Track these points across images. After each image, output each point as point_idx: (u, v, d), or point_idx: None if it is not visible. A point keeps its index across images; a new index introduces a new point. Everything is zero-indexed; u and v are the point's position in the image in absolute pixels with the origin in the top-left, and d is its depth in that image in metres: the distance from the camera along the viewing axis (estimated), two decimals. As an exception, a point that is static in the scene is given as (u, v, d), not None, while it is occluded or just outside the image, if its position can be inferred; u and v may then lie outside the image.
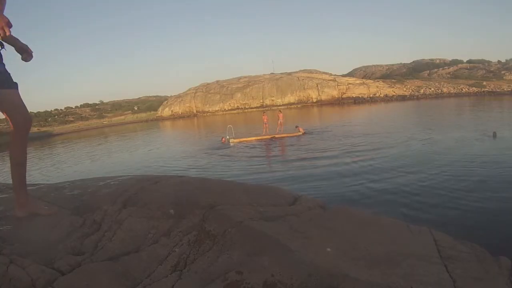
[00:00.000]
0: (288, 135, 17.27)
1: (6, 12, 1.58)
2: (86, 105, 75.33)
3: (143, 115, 63.26)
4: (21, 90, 1.82)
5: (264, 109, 46.92)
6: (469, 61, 60.61)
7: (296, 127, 17.89)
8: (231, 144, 16.39)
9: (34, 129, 54.03)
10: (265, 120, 18.11)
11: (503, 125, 14.77)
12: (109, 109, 73.85)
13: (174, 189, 2.28)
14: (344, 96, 50.31)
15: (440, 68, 59.98)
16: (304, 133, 17.26)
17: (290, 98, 51.46)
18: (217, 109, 53.69)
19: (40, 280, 1.29)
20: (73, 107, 73.38)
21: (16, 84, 1.78)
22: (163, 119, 55.30)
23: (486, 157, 8.96)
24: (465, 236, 2.13)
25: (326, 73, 57.88)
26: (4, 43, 1.68)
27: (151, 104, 71.00)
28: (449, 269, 1.59)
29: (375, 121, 22.00)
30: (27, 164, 1.95)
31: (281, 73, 57.88)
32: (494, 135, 11.78)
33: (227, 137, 17.26)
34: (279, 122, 18.33)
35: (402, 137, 13.46)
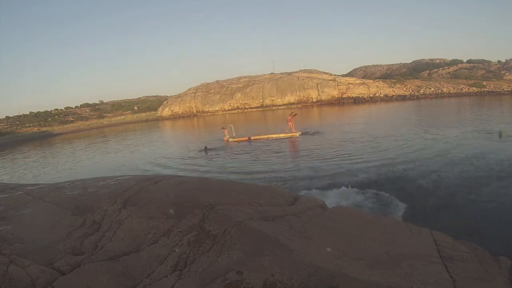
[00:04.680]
0: (286, 135, 17.08)
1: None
2: (86, 105, 75.34)
3: (143, 115, 63.20)
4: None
5: (264, 108, 46.97)
6: (469, 61, 60.54)
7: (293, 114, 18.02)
8: (230, 144, 16.40)
9: (34, 129, 54.05)
10: (290, 119, 18.14)
11: (505, 123, 14.76)
12: (109, 109, 73.82)
13: (174, 189, 2.27)
14: (344, 96, 50.27)
15: (440, 68, 59.94)
16: (301, 133, 17.12)
17: (290, 98, 51.44)
18: (217, 109, 53.67)
19: (40, 280, 1.29)
20: (73, 107, 73.36)
21: None
22: (163, 119, 55.28)
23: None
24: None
25: (326, 73, 57.87)
26: None
27: (151, 104, 70.99)
28: (449, 269, 1.59)
29: (382, 121, 21.66)
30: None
31: (281, 73, 57.87)
32: (500, 134, 11.72)
33: (227, 136, 17.30)
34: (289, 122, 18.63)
35: (418, 138, 12.80)
